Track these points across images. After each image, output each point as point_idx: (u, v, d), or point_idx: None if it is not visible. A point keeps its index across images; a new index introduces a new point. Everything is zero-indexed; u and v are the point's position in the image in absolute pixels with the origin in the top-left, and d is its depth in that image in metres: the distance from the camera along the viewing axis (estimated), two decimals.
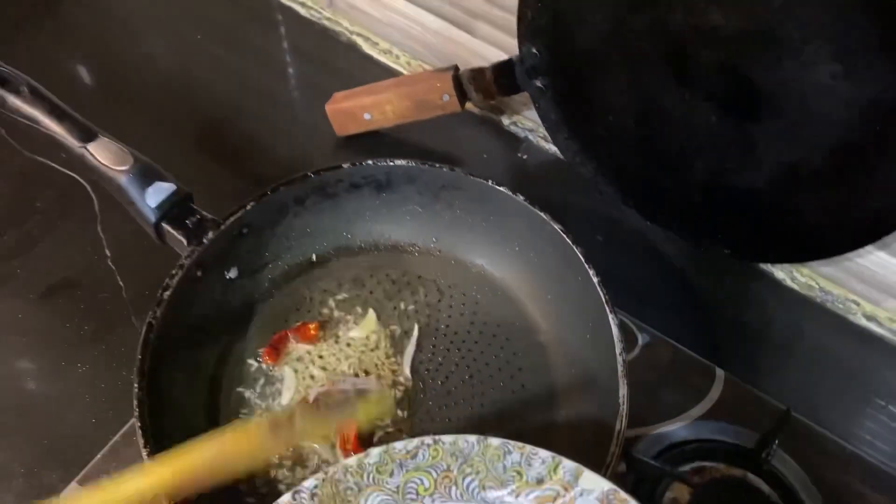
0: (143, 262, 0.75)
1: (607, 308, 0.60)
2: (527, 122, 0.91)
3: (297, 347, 0.66)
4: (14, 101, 0.63)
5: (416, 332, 0.68)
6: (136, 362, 0.56)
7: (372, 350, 0.67)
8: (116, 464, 0.66)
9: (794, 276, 0.81)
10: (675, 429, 0.71)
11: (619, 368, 0.57)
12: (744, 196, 0.74)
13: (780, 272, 0.82)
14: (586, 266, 0.62)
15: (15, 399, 0.71)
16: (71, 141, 0.62)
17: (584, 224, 0.85)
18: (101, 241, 0.80)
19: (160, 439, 0.55)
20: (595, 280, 0.61)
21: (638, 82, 0.74)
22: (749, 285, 0.82)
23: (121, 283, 0.78)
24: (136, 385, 0.55)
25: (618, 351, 0.58)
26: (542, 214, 0.64)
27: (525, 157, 0.90)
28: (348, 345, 0.66)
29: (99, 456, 0.67)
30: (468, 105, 0.83)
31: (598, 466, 0.55)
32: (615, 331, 0.59)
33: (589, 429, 0.61)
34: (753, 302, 0.81)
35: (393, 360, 0.67)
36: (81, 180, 0.81)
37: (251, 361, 0.66)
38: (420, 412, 0.64)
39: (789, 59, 0.64)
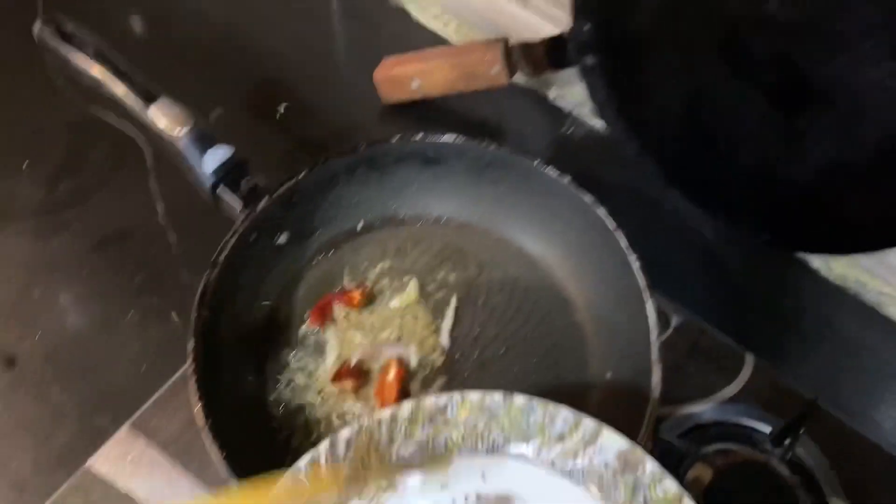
0: (193, 219, 0.78)
1: (646, 295, 0.61)
2: (573, 96, 0.91)
3: (341, 312, 0.68)
4: (79, 60, 0.64)
5: (454, 303, 0.70)
6: (191, 322, 0.59)
7: (412, 319, 0.69)
8: (166, 411, 0.69)
9: (829, 265, 0.82)
10: (702, 410, 0.73)
11: (654, 355, 0.59)
12: (788, 186, 0.74)
13: (816, 261, 0.82)
14: (627, 252, 0.63)
15: (68, 345, 0.74)
16: (134, 102, 0.64)
17: (625, 201, 0.85)
18: (152, 196, 0.82)
19: (210, 394, 0.58)
20: (635, 267, 0.62)
21: (689, 66, 0.74)
22: (784, 272, 0.82)
23: (170, 238, 0.80)
24: (191, 342, 0.58)
25: (653, 338, 0.60)
26: (586, 199, 0.65)
27: (570, 131, 0.90)
28: (390, 313, 0.69)
29: (149, 403, 0.70)
30: (514, 77, 0.84)
31: None
32: (652, 318, 0.60)
33: (620, 410, 0.63)
34: (787, 289, 0.81)
35: (432, 329, 0.69)
36: (134, 135, 0.83)
37: (297, 325, 0.68)
38: (455, 383, 0.67)
39: (845, 54, 0.63)
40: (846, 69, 0.64)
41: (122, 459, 0.67)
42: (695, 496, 0.65)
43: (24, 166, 0.83)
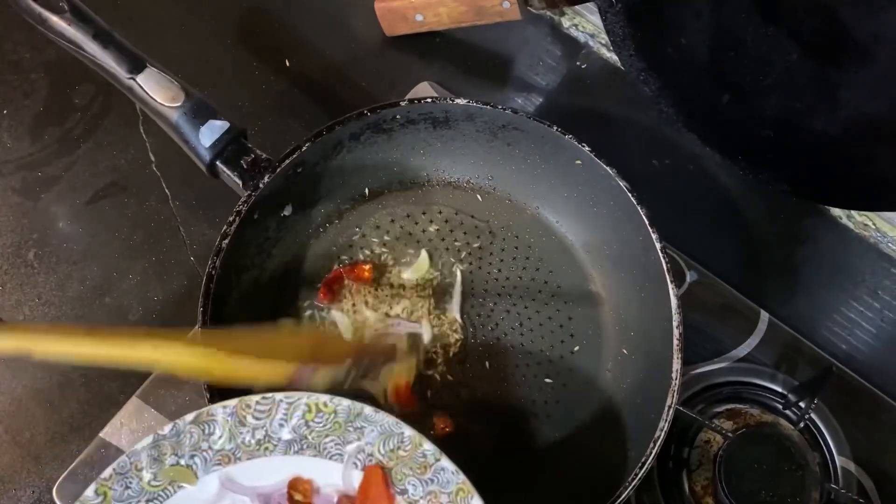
0: (189, 168, 0.73)
1: (668, 277, 0.59)
2: (588, 25, 0.85)
3: (352, 288, 0.66)
4: (56, 21, 0.58)
5: (459, 277, 0.68)
6: (198, 314, 0.57)
7: (423, 294, 0.67)
8: (173, 379, 0.68)
9: (850, 213, 0.79)
10: (714, 369, 0.73)
11: (675, 342, 0.58)
12: (815, 139, 0.71)
13: (836, 209, 0.80)
14: (650, 228, 0.60)
15: (68, 308, 0.72)
16: (118, 71, 0.59)
17: (641, 145, 0.82)
18: (144, 143, 0.78)
19: None
20: (658, 246, 0.60)
21: (718, 8, 0.69)
22: (802, 221, 0.80)
23: (167, 190, 0.77)
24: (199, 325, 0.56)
25: (675, 323, 0.58)
26: (608, 168, 0.62)
27: (584, 66, 0.85)
28: (402, 287, 0.66)
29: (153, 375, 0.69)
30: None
31: (647, 433, 0.57)
32: (674, 302, 0.59)
33: (636, 393, 0.62)
34: (805, 238, 0.80)
35: (443, 304, 0.67)
36: None
37: (305, 301, 0.66)
38: (470, 359, 0.66)
39: (891, 10, 0.59)
40: (889, 25, 0.59)
41: (135, 430, 0.67)
42: (705, 459, 0.66)
43: (2, 115, 0.78)
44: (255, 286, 0.63)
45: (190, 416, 0.51)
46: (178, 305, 0.72)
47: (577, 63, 0.85)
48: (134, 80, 0.59)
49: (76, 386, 0.70)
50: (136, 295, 0.73)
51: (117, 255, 0.74)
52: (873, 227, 0.78)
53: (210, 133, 0.59)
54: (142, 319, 0.72)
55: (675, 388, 0.57)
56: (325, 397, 0.52)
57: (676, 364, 0.57)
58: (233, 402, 0.51)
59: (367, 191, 0.69)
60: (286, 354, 0.53)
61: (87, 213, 0.75)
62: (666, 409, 0.56)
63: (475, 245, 0.68)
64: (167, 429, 0.51)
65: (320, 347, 0.58)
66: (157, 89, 0.59)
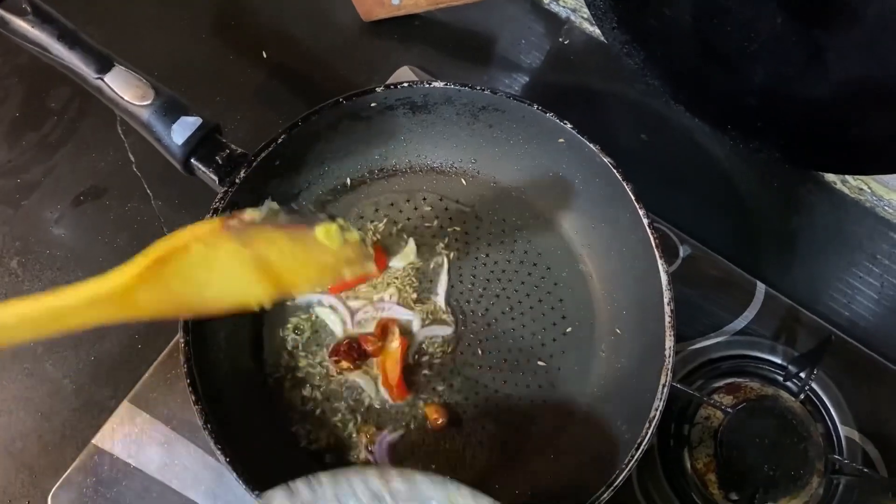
0: (169, 167, 0.72)
1: (657, 253, 0.58)
2: (569, 0, 0.83)
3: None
4: (19, 24, 0.57)
5: (445, 265, 0.67)
6: (178, 326, 0.56)
7: (411, 280, 0.66)
8: (164, 384, 0.67)
9: (845, 179, 0.78)
10: (712, 344, 0.71)
11: (667, 320, 0.57)
12: (804, 104, 0.69)
13: (830, 175, 0.78)
14: (637, 205, 0.59)
15: None
16: (85, 71, 0.58)
17: (627, 119, 0.81)
18: (123, 144, 0.77)
19: (204, 374, 0.56)
20: (646, 222, 0.59)
21: None
22: (796, 188, 0.79)
23: (148, 190, 0.76)
24: (182, 341, 0.55)
25: (666, 300, 0.57)
26: (591, 146, 0.60)
27: (566, 41, 0.83)
28: (388, 275, 0.65)
29: (147, 374, 0.68)
30: None
31: (643, 413, 0.56)
32: (664, 279, 0.57)
33: (631, 373, 0.61)
34: (800, 206, 0.78)
35: (430, 291, 0.66)
36: None
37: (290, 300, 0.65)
38: (462, 345, 0.65)
39: None
40: None
41: (128, 435, 0.66)
42: (706, 436, 0.65)
43: None
44: None
45: None
46: None
47: (560, 39, 0.83)
48: (102, 79, 0.58)
49: (66, 393, 0.69)
50: None
51: (102, 258, 0.73)
52: (869, 191, 0.77)
53: (182, 130, 0.58)
54: (129, 326, 0.71)
55: (669, 367, 0.55)
56: None
57: (669, 342, 0.56)
58: None
59: (348, 180, 0.68)
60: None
61: (70, 218, 0.74)
62: (660, 388, 0.55)
63: (461, 230, 0.67)
64: None
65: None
66: (125, 88, 0.57)
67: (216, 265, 0.45)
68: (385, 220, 0.67)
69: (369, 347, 0.62)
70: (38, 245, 0.73)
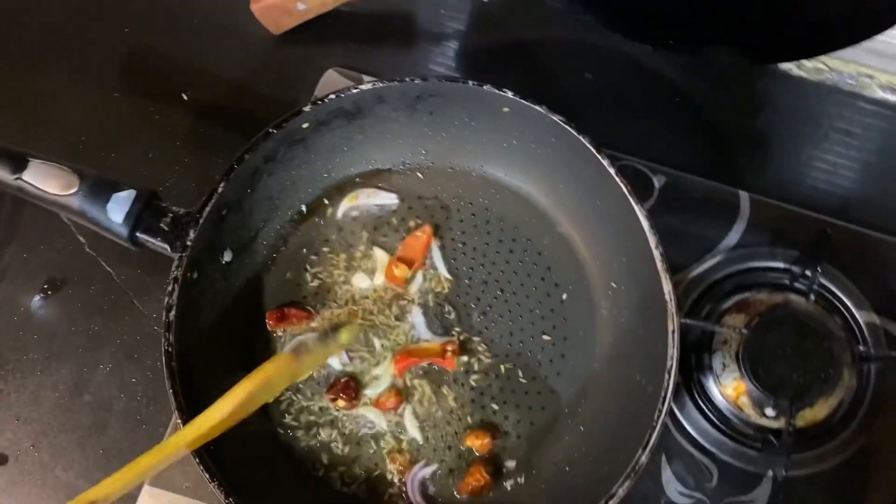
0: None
1: (631, 199, 0.56)
2: None
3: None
4: None
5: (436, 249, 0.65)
6: (168, 394, 0.54)
7: (379, 304, 0.64)
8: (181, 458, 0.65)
9: (800, 63, 0.75)
10: (710, 266, 0.70)
11: (658, 263, 0.55)
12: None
13: (784, 63, 0.76)
14: (598, 155, 0.57)
15: (51, 418, 0.69)
16: (1, 175, 0.54)
17: (568, 62, 0.78)
18: (69, 229, 0.74)
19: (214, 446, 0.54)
20: (611, 171, 0.56)
21: None
22: (753, 87, 0.76)
23: (108, 268, 0.73)
24: (174, 409, 0.53)
25: (653, 244, 0.55)
26: (537, 107, 0.57)
27: None
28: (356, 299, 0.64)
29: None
30: None
31: (659, 363, 0.54)
32: (645, 223, 0.55)
33: (636, 324, 0.60)
34: (762, 103, 0.76)
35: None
36: None
37: (277, 341, 0.63)
38: (469, 345, 0.63)
39: None
40: None
41: None
42: (729, 360, 0.64)
43: None
44: (220, 342, 0.60)
45: None
46: (159, 379, 0.69)
47: None
48: (21, 178, 0.55)
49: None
50: (113, 383, 0.70)
51: (81, 349, 0.71)
52: (827, 69, 0.75)
53: (118, 207, 0.55)
54: (126, 406, 0.69)
55: (674, 311, 0.54)
56: None
57: (667, 285, 0.54)
58: None
59: (303, 207, 0.65)
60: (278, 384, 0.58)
61: (36, 318, 0.72)
62: (670, 334, 0.53)
63: (432, 224, 0.65)
64: None
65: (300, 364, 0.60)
66: (47, 181, 0.55)
67: (278, 378, 0.58)
68: (350, 237, 0.64)
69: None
70: (13, 353, 0.71)
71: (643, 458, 0.52)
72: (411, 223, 0.65)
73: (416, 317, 0.63)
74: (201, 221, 0.56)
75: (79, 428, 0.69)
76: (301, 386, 0.63)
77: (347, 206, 0.66)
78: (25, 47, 0.79)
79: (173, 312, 0.55)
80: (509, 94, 0.58)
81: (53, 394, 0.69)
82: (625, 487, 0.52)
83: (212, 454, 0.52)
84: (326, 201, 0.66)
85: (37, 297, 0.72)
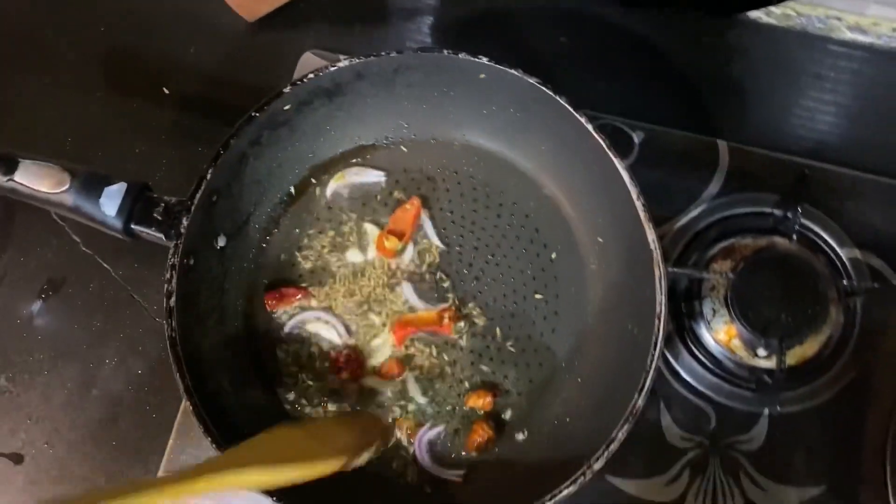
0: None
1: (611, 153, 0.57)
2: None
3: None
4: None
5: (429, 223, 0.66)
6: (176, 379, 0.55)
7: (370, 276, 0.65)
8: (190, 441, 0.67)
9: (769, 10, 0.76)
10: (694, 216, 0.71)
11: (641, 214, 0.56)
12: None
13: (752, 12, 0.77)
14: (576, 115, 0.58)
15: (63, 415, 0.70)
16: None
17: (542, 27, 0.79)
18: (63, 229, 0.75)
19: (224, 427, 0.56)
20: (590, 127, 0.57)
21: None
22: (724, 37, 0.77)
23: (105, 265, 0.74)
24: (185, 400, 0.55)
25: (634, 196, 0.56)
26: (513, 71, 0.58)
27: None
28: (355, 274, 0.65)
29: (171, 439, 0.68)
30: None
31: (648, 310, 0.55)
32: (626, 176, 0.57)
33: (625, 276, 0.61)
34: (733, 53, 0.77)
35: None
36: None
37: (277, 322, 0.65)
38: (463, 309, 0.65)
39: None
40: None
41: None
42: (718, 305, 0.65)
43: None
44: (222, 326, 0.62)
45: None
46: (165, 369, 0.70)
47: None
48: (12, 180, 0.56)
49: (100, 483, 0.69)
50: (120, 377, 0.71)
51: (86, 346, 0.72)
52: (795, 14, 0.76)
53: (111, 201, 0.56)
54: (135, 398, 0.70)
55: (660, 259, 0.55)
56: None
57: (651, 234, 0.56)
58: None
59: (291, 189, 0.66)
60: (331, 449, 0.52)
61: (39, 319, 0.73)
62: (657, 280, 0.55)
63: (419, 196, 0.66)
64: None
65: (359, 435, 0.56)
66: (39, 180, 0.56)
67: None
68: (341, 216, 0.66)
69: None
70: (19, 355, 0.72)
71: (640, 402, 0.54)
72: (399, 196, 0.66)
73: (406, 288, 0.64)
74: (193, 208, 0.57)
75: (90, 423, 0.70)
76: (305, 364, 0.64)
77: (335, 184, 0.67)
78: (2, 55, 0.79)
79: (173, 299, 0.56)
80: (485, 60, 0.59)
81: (62, 391, 0.71)
82: (624, 431, 0.53)
83: (221, 430, 0.54)
84: (314, 181, 0.67)
85: (37, 300, 0.73)
